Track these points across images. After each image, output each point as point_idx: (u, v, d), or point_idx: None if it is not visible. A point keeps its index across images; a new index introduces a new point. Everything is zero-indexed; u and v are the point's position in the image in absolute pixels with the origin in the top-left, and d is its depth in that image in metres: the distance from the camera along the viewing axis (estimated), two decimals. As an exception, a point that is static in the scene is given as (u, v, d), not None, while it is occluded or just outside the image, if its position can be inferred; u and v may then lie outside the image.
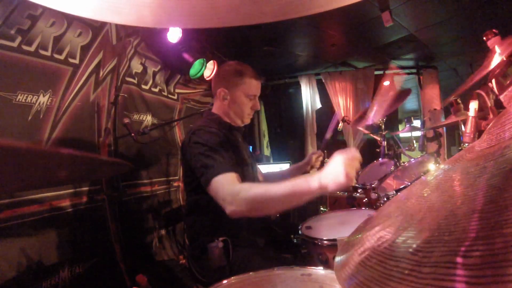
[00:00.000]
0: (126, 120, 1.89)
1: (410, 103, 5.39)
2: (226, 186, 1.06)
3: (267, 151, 4.56)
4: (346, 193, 2.39)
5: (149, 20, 0.28)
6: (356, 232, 0.41)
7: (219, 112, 1.42)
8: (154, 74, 2.36)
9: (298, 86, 4.44)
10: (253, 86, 1.37)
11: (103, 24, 1.81)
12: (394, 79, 4.33)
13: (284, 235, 1.49)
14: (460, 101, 1.66)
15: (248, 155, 1.45)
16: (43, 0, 0.28)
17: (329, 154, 2.34)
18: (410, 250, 0.27)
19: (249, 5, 0.25)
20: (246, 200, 1.01)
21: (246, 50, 3.25)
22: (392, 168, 1.91)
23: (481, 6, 2.65)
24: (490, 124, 0.39)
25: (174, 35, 2.14)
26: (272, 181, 1.74)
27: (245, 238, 1.30)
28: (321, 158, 1.64)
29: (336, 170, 0.92)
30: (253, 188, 1.03)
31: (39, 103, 1.45)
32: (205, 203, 1.33)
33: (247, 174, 1.36)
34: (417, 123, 4.33)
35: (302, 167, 1.66)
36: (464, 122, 1.13)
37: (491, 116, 0.97)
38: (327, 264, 1.12)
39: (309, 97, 4.35)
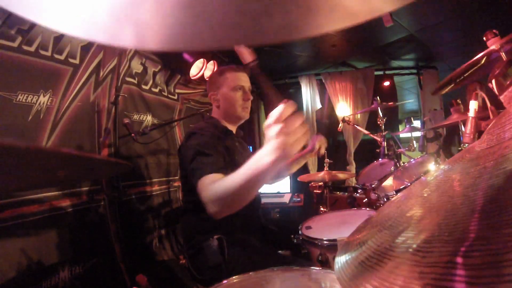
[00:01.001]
0: (126, 120, 1.89)
1: (410, 103, 5.38)
2: (205, 188, 1.03)
3: (267, 151, 4.55)
4: (346, 193, 2.40)
5: (139, 42, 0.28)
6: (356, 232, 0.41)
7: (216, 116, 1.46)
8: (154, 74, 2.36)
9: (298, 86, 4.44)
10: (236, 77, 1.41)
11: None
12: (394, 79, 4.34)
13: (281, 234, 1.50)
14: (460, 101, 1.67)
15: (244, 160, 1.46)
16: (35, 17, 0.27)
17: (329, 155, 2.35)
18: (410, 250, 0.27)
19: (249, 25, 0.25)
20: (216, 200, 0.97)
21: (246, 50, 3.25)
22: (392, 168, 1.91)
23: (481, 6, 2.65)
24: (490, 125, 0.39)
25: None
26: (275, 174, 1.72)
27: (240, 237, 1.30)
28: (325, 144, 1.61)
29: (268, 146, 0.80)
30: (218, 186, 0.98)
31: (39, 103, 1.45)
32: (200, 203, 1.34)
33: None
34: (417, 123, 4.32)
35: (306, 155, 1.63)
36: (464, 123, 1.13)
37: (491, 116, 0.97)
38: (327, 264, 1.13)
39: (309, 97, 4.35)
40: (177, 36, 0.26)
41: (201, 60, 2.43)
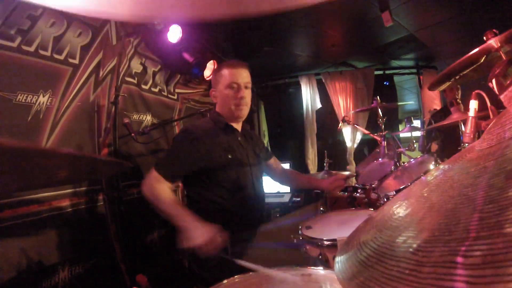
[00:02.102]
0: (126, 120, 1.89)
1: (410, 103, 5.38)
2: (148, 179, 1.33)
3: (267, 151, 4.56)
4: (346, 193, 2.40)
5: (138, 13, 0.28)
6: (356, 232, 0.41)
7: (218, 111, 1.47)
8: (154, 74, 2.36)
9: (298, 86, 4.44)
10: (230, 74, 1.38)
11: (103, 24, 1.81)
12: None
13: (281, 234, 1.50)
14: (460, 101, 1.66)
15: (247, 156, 1.46)
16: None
17: (329, 155, 2.34)
18: (410, 250, 0.27)
19: None
20: (146, 192, 1.32)
21: (246, 50, 3.25)
22: (392, 168, 1.91)
23: (481, 6, 2.65)
24: (490, 124, 0.39)
25: (174, 35, 2.14)
26: (286, 178, 1.81)
27: (241, 235, 1.31)
28: (341, 187, 1.65)
29: (198, 237, 1.13)
30: (155, 190, 1.30)
31: (39, 103, 1.45)
32: (201, 201, 1.35)
33: (242, 174, 1.39)
34: (417, 123, 4.33)
35: (318, 187, 1.73)
36: (464, 122, 1.13)
37: (491, 116, 0.97)
38: (327, 264, 1.12)
39: (309, 97, 4.35)
40: (171, 7, 0.26)
41: (212, 61, 2.45)
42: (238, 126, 1.48)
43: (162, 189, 1.27)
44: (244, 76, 1.39)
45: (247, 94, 1.40)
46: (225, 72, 1.39)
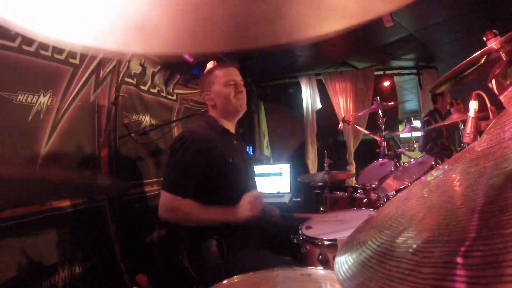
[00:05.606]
0: (126, 121, 1.89)
1: (410, 103, 5.38)
2: (169, 203, 1.30)
3: (267, 151, 4.57)
4: (346, 193, 2.40)
5: (148, 46, 0.28)
6: (356, 232, 0.41)
7: (214, 115, 1.48)
8: (153, 74, 2.36)
9: (298, 87, 4.44)
10: (225, 73, 1.44)
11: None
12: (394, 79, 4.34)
13: (281, 236, 1.50)
14: (460, 101, 1.67)
15: (243, 158, 1.47)
16: (41, 28, 0.26)
17: (329, 154, 2.35)
18: (410, 250, 0.27)
19: (260, 25, 0.25)
20: (174, 217, 1.34)
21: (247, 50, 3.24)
22: (392, 168, 1.91)
23: (481, 6, 2.65)
24: (490, 124, 0.39)
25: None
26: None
27: (239, 238, 1.31)
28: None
29: (244, 207, 1.25)
30: (183, 210, 1.29)
31: (40, 103, 1.45)
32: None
33: (240, 177, 1.40)
34: (417, 123, 4.33)
35: None
36: (464, 123, 1.14)
37: (491, 116, 0.97)
38: (327, 264, 1.13)
39: (309, 97, 4.35)
40: (186, 39, 0.26)
41: (212, 62, 2.43)
42: (232, 128, 1.49)
43: (186, 205, 1.28)
44: (237, 74, 1.47)
45: (244, 91, 1.47)
46: (219, 72, 1.44)
